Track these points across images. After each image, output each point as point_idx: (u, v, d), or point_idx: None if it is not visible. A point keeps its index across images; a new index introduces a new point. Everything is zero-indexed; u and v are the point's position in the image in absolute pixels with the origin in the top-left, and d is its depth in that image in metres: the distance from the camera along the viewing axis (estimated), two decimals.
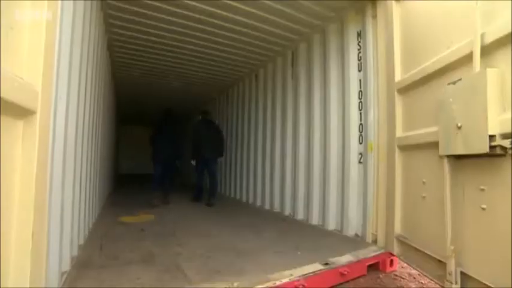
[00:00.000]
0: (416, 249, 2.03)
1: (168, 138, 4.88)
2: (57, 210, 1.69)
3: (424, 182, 1.98)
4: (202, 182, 5.32)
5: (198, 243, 2.74)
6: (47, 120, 1.23)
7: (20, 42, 1.05)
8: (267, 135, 5.04)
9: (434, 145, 1.73)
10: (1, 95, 0.85)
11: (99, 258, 2.26)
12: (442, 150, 1.66)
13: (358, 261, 2.37)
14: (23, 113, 1.04)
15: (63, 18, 1.67)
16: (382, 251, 2.55)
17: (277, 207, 4.56)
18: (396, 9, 2.39)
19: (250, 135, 5.65)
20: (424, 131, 1.94)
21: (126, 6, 3.30)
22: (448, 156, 1.63)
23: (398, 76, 2.39)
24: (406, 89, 2.28)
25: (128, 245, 2.62)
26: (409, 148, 2.26)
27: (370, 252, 2.54)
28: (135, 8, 3.34)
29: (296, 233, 3.26)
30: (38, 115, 1.08)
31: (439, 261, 1.74)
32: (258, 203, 5.15)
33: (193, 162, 5.15)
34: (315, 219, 3.71)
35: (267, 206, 4.84)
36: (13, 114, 1.00)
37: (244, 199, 5.73)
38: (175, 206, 5.00)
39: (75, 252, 2.24)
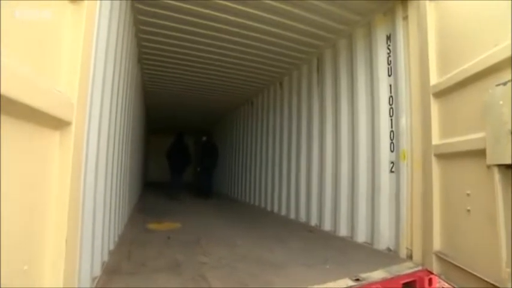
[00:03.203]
0: (460, 269, 1.83)
1: (181, 154, 6.99)
2: (90, 217, 1.75)
3: (468, 194, 1.80)
4: (205, 183, 7.57)
5: (223, 252, 2.72)
6: (81, 131, 1.28)
7: (60, 57, 1.11)
8: (292, 143, 4.96)
9: (480, 153, 1.57)
10: (41, 108, 0.89)
11: (128, 265, 2.31)
12: (491, 159, 1.49)
13: (392, 278, 2.19)
14: (59, 124, 1.09)
15: (99, 35, 1.77)
16: (419, 268, 2.35)
17: (302, 217, 4.44)
18: (430, 9, 2.26)
19: (275, 143, 5.60)
20: (467, 138, 1.78)
21: (157, 21, 3.47)
22: (499, 166, 1.47)
23: (433, 79, 2.23)
24: (443, 93, 2.13)
25: (155, 252, 2.65)
26: (448, 156, 2.09)
27: (405, 269, 2.35)
28: (165, 23, 3.50)
29: (323, 245, 3.13)
30: (73, 126, 1.13)
31: (492, 285, 1.55)
32: (283, 212, 5.05)
33: (198, 169, 7.71)
34: (343, 231, 3.55)
35: (292, 216, 4.73)
36: (51, 125, 1.05)
37: (268, 208, 5.65)
38: (197, 214, 5.23)
39: (106, 258, 2.30)
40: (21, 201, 0.89)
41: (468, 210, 1.80)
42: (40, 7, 0.92)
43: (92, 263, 1.79)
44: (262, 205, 5.96)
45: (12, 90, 0.73)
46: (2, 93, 0.68)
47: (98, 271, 1.99)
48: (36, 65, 0.92)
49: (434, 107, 2.24)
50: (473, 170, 1.73)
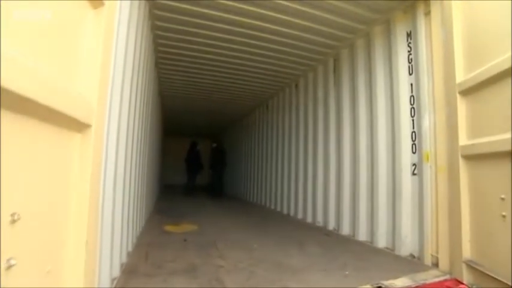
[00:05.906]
0: (495, 280, 1.70)
1: (195, 159, 8.73)
2: (109, 219, 1.78)
3: (502, 198, 1.67)
4: (216, 184, 8.85)
5: (239, 255, 2.69)
6: (101, 133, 1.30)
7: (80, 60, 1.13)
8: (308, 145, 4.89)
9: None
10: (65, 111, 0.91)
11: (145, 267, 2.32)
12: None
13: (418, 287, 2.07)
14: (80, 126, 1.10)
15: (118, 40, 1.81)
16: (447, 276, 2.21)
17: (320, 221, 4.34)
18: (456, 5, 2.14)
19: (291, 145, 5.54)
20: (501, 138, 1.65)
21: (174, 26, 3.52)
22: None
23: (460, 77, 2.11)
24: (472, 90, 2.00)
25: (172, 254, 2.66)
26: (478, 158, 1.96)
27: (431, 277, 2.23)
28: (182, 27, 3.54)
29: (342, 250, 3.03)
30: (93, 128, 1.14)
31: None
32: (299, 215, 4.97)
33: (210, 171, 9.07)
34: (361, 235, 3.43)
35: (309, 219, 4.64)
36: (73, 128, 1.07)
37: (284, 211, 5.58)
38: (213, 216, 5.24)
39: (124, 259, 2.33)
40: (44, 203, 0.91)
41: (503, 216, 1.67)
42: (61, 14, 0.94)
43: (111, 264, 1.81)
44: (278, 208, 5.90)
45: (39, 95, 0.75)
46: (29, 96, 0.70)
47: (117, 272, 2.01)
48: (59, 69, 0.94)
49: (461, 106, 2.11)
50: (508, 172, 1.61)
